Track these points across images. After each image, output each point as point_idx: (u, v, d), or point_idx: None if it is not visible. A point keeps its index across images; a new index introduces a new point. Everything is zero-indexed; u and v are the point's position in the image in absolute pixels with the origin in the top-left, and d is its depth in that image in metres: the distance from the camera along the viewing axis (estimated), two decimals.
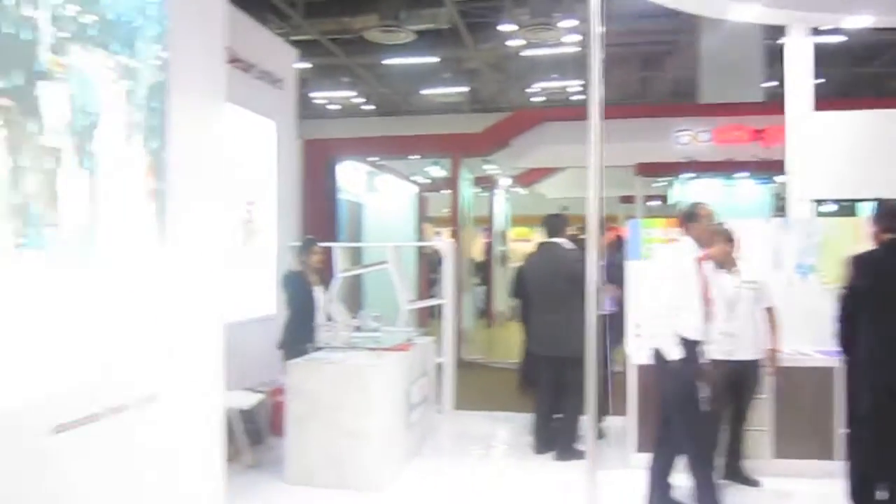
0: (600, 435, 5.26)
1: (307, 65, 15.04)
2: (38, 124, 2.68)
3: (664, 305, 4.26)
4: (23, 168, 2.60)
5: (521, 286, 6.32)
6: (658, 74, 18.09)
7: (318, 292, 5.88)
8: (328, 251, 6.56)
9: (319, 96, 18.70)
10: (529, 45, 14.37)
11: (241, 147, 6.29)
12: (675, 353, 4.19)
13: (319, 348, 5.39)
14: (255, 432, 5.72)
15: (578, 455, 5.43)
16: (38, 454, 2.70)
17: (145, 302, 3.29)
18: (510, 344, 11.75)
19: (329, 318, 5.89)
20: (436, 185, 15.14)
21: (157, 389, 3.35)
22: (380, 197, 11.75)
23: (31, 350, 2.66)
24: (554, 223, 5.91)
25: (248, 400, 5.55)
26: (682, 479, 4.41)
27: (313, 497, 4.78)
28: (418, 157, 13.53)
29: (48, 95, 2.73)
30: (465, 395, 7.48)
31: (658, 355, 4.32)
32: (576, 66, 15.63)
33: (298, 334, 5.62)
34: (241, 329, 5.51)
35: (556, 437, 5.71)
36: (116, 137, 3.10)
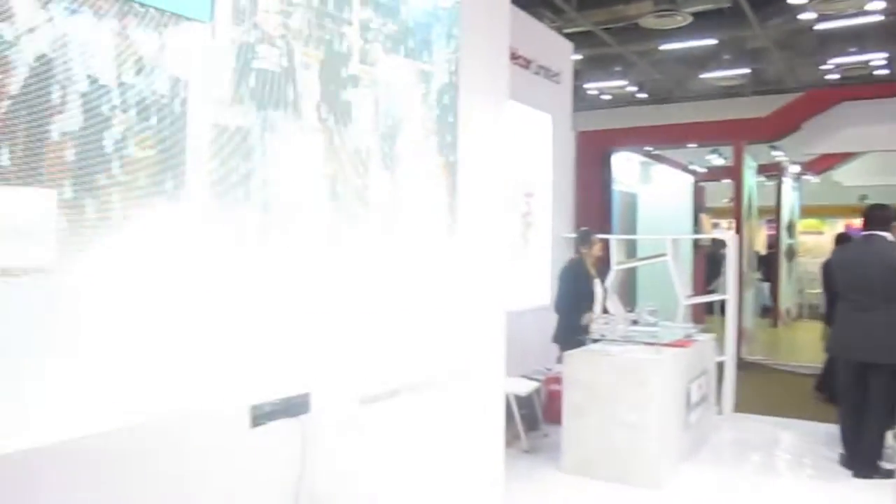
0: None
1: (578, 56, 15.03)
2: (349, 129, 2.99)
3: None
4: (339, 167, 2.93)
5: (830, 282, 5.75)
6: None
7: (596, 285, 5.86)
8: (605, 243, 6.51)
9: (591, 87, 18.59)
10: (824, 18, 13.03)
11: (519, 141, 6.48)
12: None
13: (596, 340, 5.39)
14: (531, 419, 5.88)
15: (883, 474, 4.87)
16: (347, 421, 3.03)
17: (438, 291, 3.53)
18: (798, 345, 10.83)
19: (605, 311, 5.86)
20: (714, 174, 14.36)
21: (448, 371, 3.59)
22: (654, 187, 11.43)
23: (342, 333, 2.99)
24: (879, 214, 5.32)
25: (525, 387, 5.71)
26: None
27: (588, 487, 4.81)
28: (695, 145, 12.91)
29: (357, 101, 3.03)
30: (747, 398, 7.03)
31: None
32: (880, 36, 13.88)
33: (574, 326, 5.66)
34: (518, 318, 5.68)
35: (858, 451, 5.16)
36: (414, 138, 3.36)
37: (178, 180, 2.32)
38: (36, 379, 1.95)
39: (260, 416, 2.61)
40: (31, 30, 1.94)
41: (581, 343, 5.34)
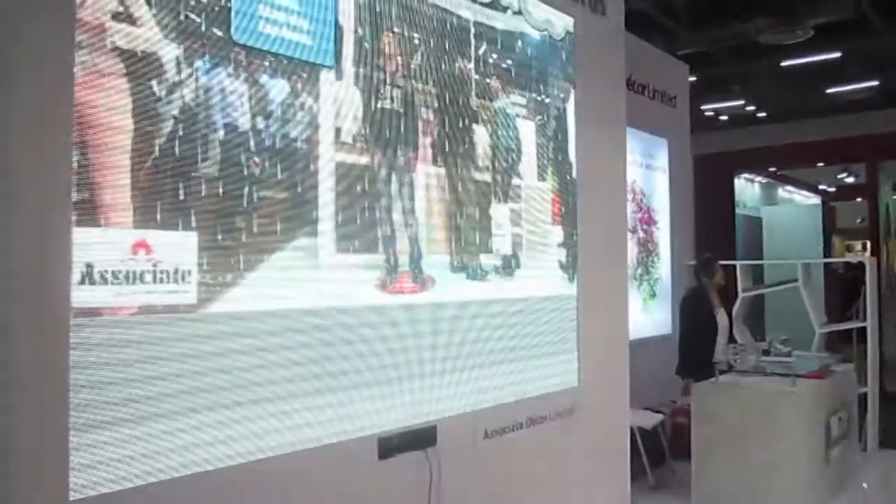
0: None
1: (692, 77, 14.63)
2: (470, 162, 3.03)
3: None
4: (460, 202, 2.97)
5: None
6: None
7: (720, 314, 5.62)
8: (728, 270, 6.24)
9: (707, 108, 18.05)
10: None
11: (636, 167, 6.37)
12: None
13: (723, 371, 5.16)
14: (657, 453, 5.67)
15: None
16: (472, 452, 3.03)
17: (560, 321, 3.49)
18: None
19: (731, 341, 5.60)
20: (846, 193, 13.59)
21: (571, 404, 3.53)
22: (780, 209, 10.94)
23: (467, 366, 3.00)
24: None
25: (650, 420, 5.53)
26: None
27: None
28: (824, 164, 12.27)
29: (477, 136, 3.07)
30: (894, 433, 6.52)
31: None
32: None
33: (697, 357, 5.44)
34: (639, 347, 5.52)
35: None
36: (532, 168, 3.36)
37: (310, 219, 2.41)
38: (176, 414, 2.06)
39: (388, 449, 2.65)
40: (176, 85, 2.08)
41: (709, 375, 5.12)
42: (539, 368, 3.37)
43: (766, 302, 9.17)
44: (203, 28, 2.15)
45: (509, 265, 3.20)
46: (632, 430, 4.53)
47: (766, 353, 5.52)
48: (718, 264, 5.77)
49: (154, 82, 2.03)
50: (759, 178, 10.59)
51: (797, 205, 11.49)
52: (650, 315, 6.44)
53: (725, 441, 4.68)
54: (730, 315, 5.89)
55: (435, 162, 2.88)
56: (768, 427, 4.55)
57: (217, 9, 2.18)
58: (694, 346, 5.58)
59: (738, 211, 9.68)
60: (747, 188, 10.24)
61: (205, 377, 2.11)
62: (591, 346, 3.67)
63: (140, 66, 2.00)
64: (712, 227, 8.97)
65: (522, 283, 3.27)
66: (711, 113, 18.69)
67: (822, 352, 6.19)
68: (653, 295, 6.55)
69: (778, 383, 4.81)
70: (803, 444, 4.64)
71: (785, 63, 14.81)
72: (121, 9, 1.96)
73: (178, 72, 2.09)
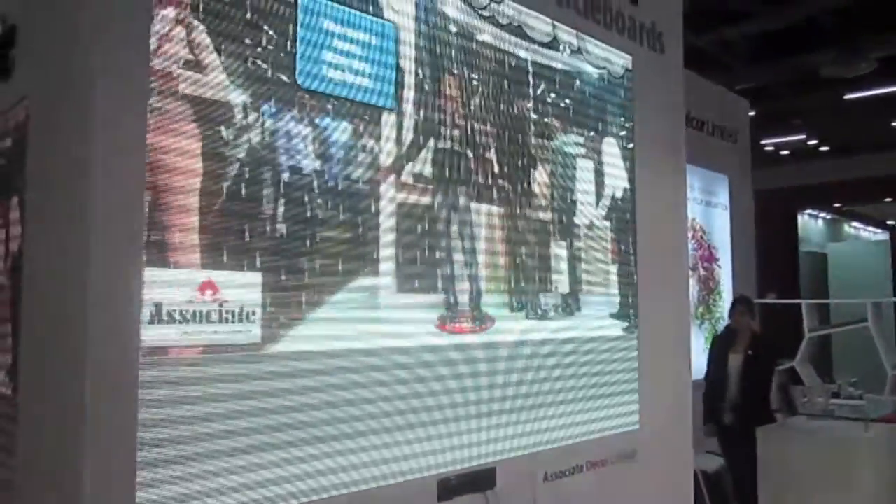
0: None
1: (751, 112, 14.39)
2: (528, 202, 3.03)
3: None
4: (519, 241, 2.96)
5: None
6: None
7: (734, 357, 5.27)
8: (753, 311, 5.76)
9: (768, 142, 17.72)
10: None
11: (696, 204, 6.28)
12: None
13: (791, 415, 4.97)
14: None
15: None
16: (531, 496, 2.97)
17: (620, 362, 3.43)
18: None
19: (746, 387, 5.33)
20: None
21: (632, 447, 3.45)
22: (846, 246, 10.62)
23: (526, 408, 2.96)
24: None
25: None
26: None
27: None
28: (890, 199, 11.89)
29: (537, 175, 3.07)
30: None
31: None
32: None
33: (706, 403, 5.29)
34: (701, 389, 5.38)
35: None
36: (590, 207, 3.34)
37: (371, 259, 2.43)
38: (234, 456, 2.08)
39: (447, 490, 2.62)
40: (243, 129, 2.14)
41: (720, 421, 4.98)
42: (599, 410, 3.31)
43: (833, 342, 8.88)
44: (269, 74, 2.21)
45: (569, 304, 3.17)
46: (695, 473, 4.40)
47: (836, 395, 5.33)
48: (740, 305, 5.47)
49: (222, 127, 2.08)
50: (823, 214, 10.31)
51: (864, 241, 11.12)
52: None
53: (794, 488, 4.51)
54: (765, 359, 5.45)
55: (495, 201, 2.88)
56: (840, 473, 4.37)
57: (282, 55, 2.25)
58: (707, 393, 5.40)
59: (801, 248, 9.44)
60: (811, 224, 9.97)
61: (262, 419, 2.12)
62: (652, 387, 3.59)
63: (209, 112, 2.06)
64: (775, 265, 8.77)
65: (582, 323, 3.23)
66: (772, 147, 18.33)
67: (894, 394, 5.94)
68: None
69: (849, 428, 4.63)
70: (878, 492, 4.44)
71: (848, 96, 14.49)
72: (191, 57, 2.04)
73: (245, 116, 2.14)
